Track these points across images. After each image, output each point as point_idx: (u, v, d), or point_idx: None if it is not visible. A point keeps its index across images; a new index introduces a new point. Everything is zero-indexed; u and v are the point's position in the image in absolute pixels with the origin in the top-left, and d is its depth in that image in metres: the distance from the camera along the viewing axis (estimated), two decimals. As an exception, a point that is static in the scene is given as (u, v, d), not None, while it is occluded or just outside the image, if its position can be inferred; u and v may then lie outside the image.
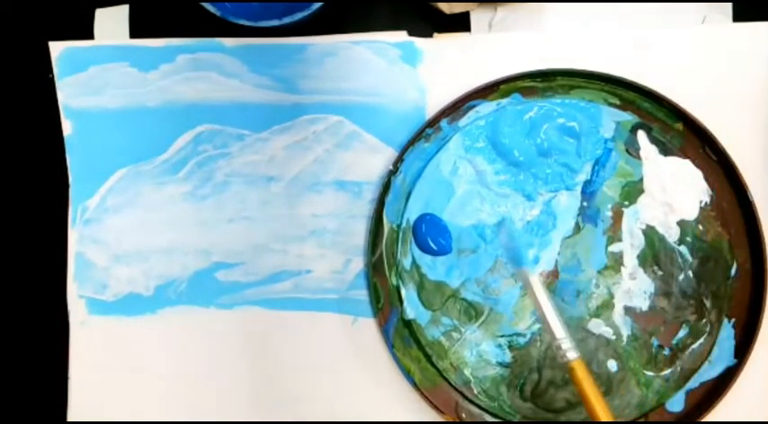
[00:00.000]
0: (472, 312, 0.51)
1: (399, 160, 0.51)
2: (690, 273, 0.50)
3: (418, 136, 0.51)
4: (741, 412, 0.50)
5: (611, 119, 0.51)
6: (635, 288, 0.50)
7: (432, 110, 0.52)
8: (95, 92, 0.54)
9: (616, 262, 0.50)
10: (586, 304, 0.50)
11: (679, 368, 0.50)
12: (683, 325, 0.50)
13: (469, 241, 0.51)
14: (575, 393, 0.50)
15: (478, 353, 0.51)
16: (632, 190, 0.51)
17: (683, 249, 0.50)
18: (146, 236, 0.54)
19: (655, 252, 0.50)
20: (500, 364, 0.51)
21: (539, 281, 0.47)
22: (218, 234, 0.53)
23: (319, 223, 0.53)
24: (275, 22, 0.48)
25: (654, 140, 0.51)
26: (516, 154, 0.51)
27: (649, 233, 0.50)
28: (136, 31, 0.54)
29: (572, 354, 0.45)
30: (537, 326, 0.50)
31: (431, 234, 0.51)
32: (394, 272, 0.51)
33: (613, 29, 0.53)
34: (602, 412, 0.43)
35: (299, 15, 0.48)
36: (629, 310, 0.50)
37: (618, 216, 0.51)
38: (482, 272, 0.51)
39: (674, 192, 0.50)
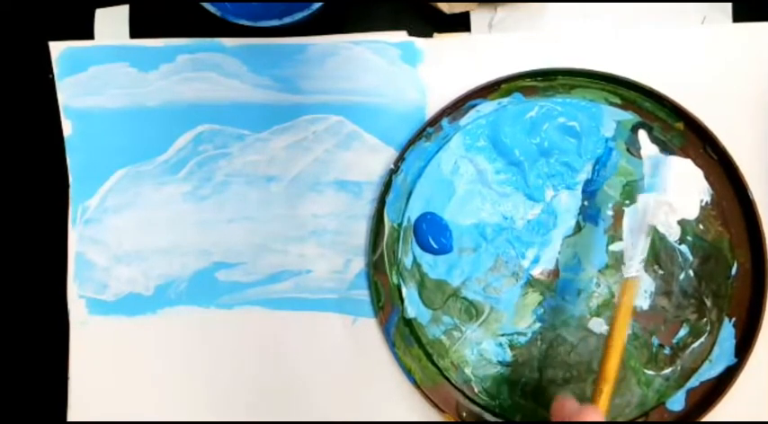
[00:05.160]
0: (473, 310, 0.51)
1: (400, 159, 0.51)
2: (690, 272, 0.50)
3: (419, 135, 0.51)
4: (741, 412, 0.50)
5: (611, 118, 0.51)
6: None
7: (432, 109, 0.52)
8: (95, 93, 0.54)
9: (617, 261, 0.50)
10: (587, 303, 0.50)
11: (679, 367, 0.50)
12: (684, 324, 0.50)
13: (470, 240, 0.51)
14: (575, 391, 0.50)
15: (479, 352, 0.51)
16: (633, 189, 0.51)
17: (683, 248, 0.50)
18: (146, 236, 0.54)
19: (655, 252, 0.50)
20: (501, 363, 0.51)
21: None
22: (218, 234, 0.53)
23: (320, 223, 0.53)
24: (275, 22, 0.48)
25: (655, 139, 0.51)
26: (517, 153, 0.51)
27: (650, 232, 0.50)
28: (136, 31, 0.54)
29: (633, 274, 0.47)
30: (538, 325, 0.50)
31: (432, 233, 0.51)
32: (395, 271, 0.51)
33: (614, 29, 0.53)
34: (619, 333, 0.45)
35: (299, 15, 0.48)
36: (629, 309, 0.50)
37: (619, 215, 0.51)
38: (483, 271, 0.51)
39: (674, 191, 0.50)
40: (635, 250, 0.47)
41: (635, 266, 0.46)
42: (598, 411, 0.42)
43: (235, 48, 0.53)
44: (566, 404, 0.42)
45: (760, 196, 0.50)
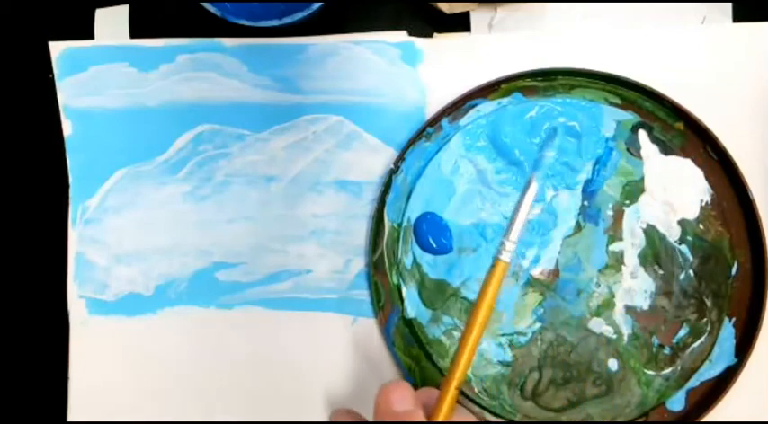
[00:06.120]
0: (473, 310, 0.51)
1: (400, 159, 0.51)
2: (690, 272, 0.50)
3: (419, 134, 0.51)
4: (742, 412, 0.50)
5: (611, 118, 0.51)
6: (636, 287, 0.50)
7: (432, 109, 0.52)
8: (95, 92, 0.54)
9: (617, 261, 0.50)
10: (587, 303, 0.50)
11: (679, 367, 0.50)
12: (684, 324, 0.50)
13: (470, 240, 0.51)
14: (575, 392, 0.50)
15: (479, 352, 0.50)
16: (633, 190, 0.51)
17: (683, 248, 0.50)
18: (146, 236, 0.53)
19: (655, 251, 0.50)
20: (501, 363, 0.50)
21: (534, 191, 0.49)
22: (218, 234, 0.53)
23: (320, 223, 0.53)
24: (275, 22, 0.48)
25: (655, 139, 0.51)
26: (517, 153, 0.51)
27: (650, 232, 0.50)
28: (136, 31, 0.54)
29: (506, 256, 0.47)
30: (538, 325, 0.50)
31: (432, 233, 0.51)
32: (395, 271, 0.51)
33: (614, 28, 0.53)
34: (483, 313, 0.45)
35: (299, 15, 0.48)
36: (629, 309, 0.50)
37: (619, 216, 0.51)
38: (483, 271, 0.50)
39: (674, 191, 0.50)
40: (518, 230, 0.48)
41: (511, 247, 0.47)
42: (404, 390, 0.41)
43: (235, 48, 0.53)
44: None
45: (760, 196, 0.50)
